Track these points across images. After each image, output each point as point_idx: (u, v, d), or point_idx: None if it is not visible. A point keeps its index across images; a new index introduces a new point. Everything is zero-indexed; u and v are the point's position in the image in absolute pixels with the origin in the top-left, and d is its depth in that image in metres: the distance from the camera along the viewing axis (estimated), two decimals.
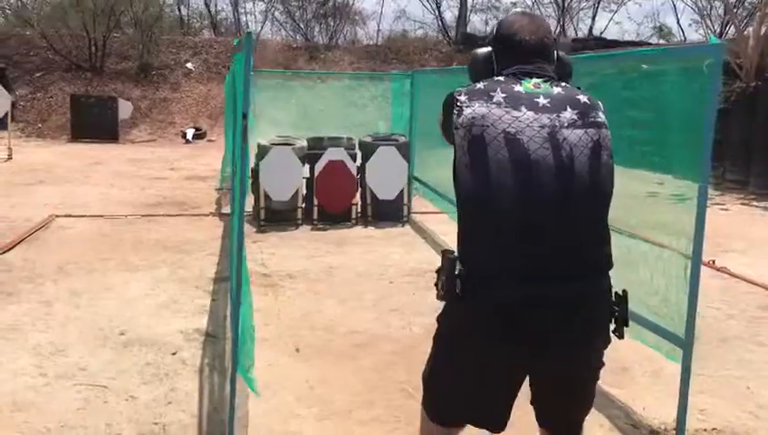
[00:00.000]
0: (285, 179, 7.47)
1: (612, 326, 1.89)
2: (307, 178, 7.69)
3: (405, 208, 7.90)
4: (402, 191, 7.82)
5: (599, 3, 25.48)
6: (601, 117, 1.86)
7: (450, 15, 25.41)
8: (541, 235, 1.74)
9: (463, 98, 1.84)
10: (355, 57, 21.45)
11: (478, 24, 25.81)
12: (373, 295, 5.13)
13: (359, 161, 7.90)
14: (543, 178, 1.73)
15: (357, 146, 8.02)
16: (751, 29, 10.92)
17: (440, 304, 1.93)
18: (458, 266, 1.81)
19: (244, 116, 2.44)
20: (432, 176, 7.40)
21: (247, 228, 7.25)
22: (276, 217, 7.50)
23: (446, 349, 1.94)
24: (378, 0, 24.90)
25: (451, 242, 7.09)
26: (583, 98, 1.87)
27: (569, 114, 1.81)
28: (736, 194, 10.29)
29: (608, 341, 1.90)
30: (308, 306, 4.84)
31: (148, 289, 5.10)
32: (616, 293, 1.88)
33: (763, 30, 10.52)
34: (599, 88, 4.43)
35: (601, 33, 25.18)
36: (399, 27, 25.65)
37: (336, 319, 4.60)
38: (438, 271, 1.86)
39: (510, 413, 1.94)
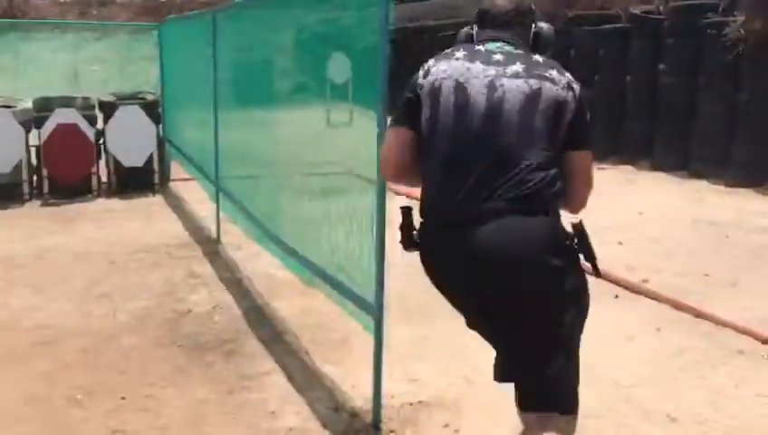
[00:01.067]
0: (3, 148, 6.34)
1: (583, 261, 1.89)
2: (37, 147, 6.62)
3: (156, 176, 7.07)
4: (152, 156, 6.98)
5: None
6: (551, 74, 1.88)
7: None
8: (467, 167, 1.84)
9: (431, 62, 2.00)
10: (132, 13, 19.66)
11: None
12: (83, 280, 4.36)
13: (100, 124, 6.94)
14: (474, 118, 1.86)
15: (96, 106, 7.04)
16: None
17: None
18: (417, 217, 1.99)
19: None
20: (185, 138, 6.63)
21: None
22: None
23: (439, 289, 2.00)
24: None
25: (203, 210, 6.53)
26: (539, 58, 1.94)
27: (516, 67, 1.89)
28: None
29: (555, 279, 1.81)
30: None
31: None
32: (566, 226, 1.87)
33: None
34: (286, 27, 3.97)
35: None
36: None
37: (23, 313, 3.80)
38: (400, 227, 2.02)
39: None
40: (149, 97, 7.22)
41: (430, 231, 1.94)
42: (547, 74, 1.88)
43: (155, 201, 6.68)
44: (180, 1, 21.37)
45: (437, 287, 1.98)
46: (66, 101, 6.76)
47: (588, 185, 1.96)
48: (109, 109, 6.87)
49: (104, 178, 6.97)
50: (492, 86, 1.86)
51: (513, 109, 1.83)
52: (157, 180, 7.07)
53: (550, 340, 1.83)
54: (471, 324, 2.00)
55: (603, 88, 9.09)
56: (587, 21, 9.62)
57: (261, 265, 4.50)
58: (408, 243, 2.01)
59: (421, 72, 1.99)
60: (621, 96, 8.91)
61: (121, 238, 5.31)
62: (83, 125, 6.63)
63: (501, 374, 1.92)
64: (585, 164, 1.95)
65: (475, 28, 2.07)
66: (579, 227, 1.87)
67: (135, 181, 6.88)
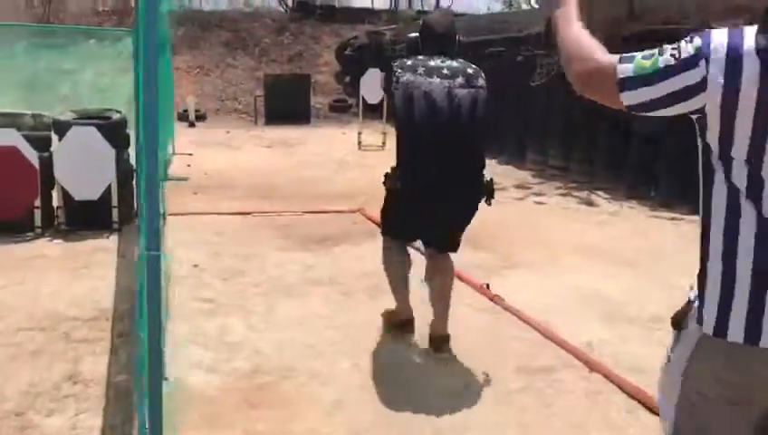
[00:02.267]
0: None
1: (484, 199, 3.26)
2: None
3: (115, 212, 5.84)
4: (110, 188, 5.76)
5: None
6: (480, 83, 3.20)
7: None
8: (439, 144, 3.10)
9: (399, 70, 3.18)
10: (171, 23, 18.85)
11: None
12: None
13: (55, 146, 5.78)
14: (442, 115, 3.10)
15: (52, 127, 5.89)
16: None
17: None
18: (398, 170, 3.23)
19: None
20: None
21: None
22: None
23: (392, 201, 3.36)
24: None
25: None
26: (470, 70, 3.21)
27: (460, 79, 3.13)
28: (557, 182, 9.02)
29: (477, 204, 3.28)
30: None
31: None
32: (487, 180, 3.26)
33: None
34: None
35: (449, 6, 23.91)
36: None
37: None
38: (386, 175, 3.27)
39: (418, 235, 3.51)
40: (115, 116, 6.03)
41: (414, 185, 3.19)
42: (478, 84, 3.21)
43: (104, 246, 5.43)
44: (218, 14, 20.57)
45: (407, 212, 3.30)
46: (10, 119, 5.63)
47: None
48: (63, 130, 5.70)
49: (57, 213, 5.80)
50: (450, 95, 3.12)
51: (465, 110, 3.14)
52: (116, 218, 5.83)
53: (466, 224, 3.36)
54: (413, 223, 3.34)
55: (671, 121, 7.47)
56: (652, 38, 8.02)
57: (180, 365, 3.20)
58: (393, 186, 3.27)
59: (394, 78, 3.19)
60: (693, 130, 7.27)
61: (23, 303, 4.06)
62: (25, 149, 5.46)
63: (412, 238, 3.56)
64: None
65: (420, 38, 3.36)
66: (490, 182, 3.26)
67: (87, 218, 5.67)
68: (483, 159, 3.25)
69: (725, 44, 1.28)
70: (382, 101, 12.54)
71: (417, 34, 3.38)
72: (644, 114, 1.40)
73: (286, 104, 15.88)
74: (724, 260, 1.32)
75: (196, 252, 5.13)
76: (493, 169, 11.23)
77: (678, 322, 1.44)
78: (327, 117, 16.95)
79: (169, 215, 6.59)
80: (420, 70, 3.10)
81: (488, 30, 12.22)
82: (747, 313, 1.30)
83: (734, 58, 1.27)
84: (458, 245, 3.40)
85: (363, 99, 12.69)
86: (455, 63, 3.15)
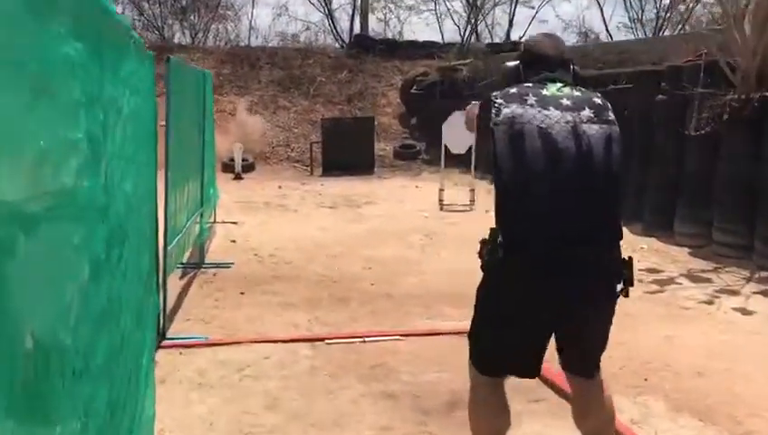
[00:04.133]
0: None
1: (620, 287, 2.20)
2: None
3: None
4: None
5: (515, 5, 22.03)
6: (611, 116, 2.25)
7: (344, 14, 21.35)
8: (565, 209, 2.13)
9: (500, 100, 2.21)
10: (217, 61, 17.04)
11: (374, 23, 21.73)
12: None
13: None
14: (568, 163, 2.13)
15: None
16: (749, 11, 7.08)
17: None
18: (500, 237, 2.15)
19: None
20: None
21: None
22: None
23: (486, 311, 2.28)
24: None
25: None
26: (597, 100, 2.27)
27: (587, 112, 2.19)
28: (741, 270, 6.47)
29: (616, 296, 2.22)
30: None
31: None
32: (623, 259, 2.21)
33: None
34: None
35: (520, 37, 21.72)
36: (282, 26, 21.11)
37: None
38: (483, 241, 2.21)
39: (542, 362, 2.28)
40: None
41: (526, 255, 2.14)
42: (610, 117, 2.24)
43: None
44: (270, 49, 18.74)
45: (514, 302, 2.17)
46: None
47: None
48: None
49: None
50: (576, 133, 2.14)
51: (600, 156, 2.16)
52: None
53: (608, 323, 2.31)
54: (519, 333, 2.21)
55: None
56: None
57: None
58: (492, 259, 2.16)
59: (493, 111, 2.19)
60: None
61: None
62: None
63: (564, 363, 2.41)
64: None
65: (522, 65, 2.37)
66: (630, 262, 2.22)
67: None
68: (620, 225, 2.25)
69: None
70: (470, 149, 10.27)
71: (516, 62, 2.43)
72: None
73: (347, 152, 13.74)
74: None
75: None
76: (629, 242, 8.90)
77: None
78: (392, 165, 14.75)
79: (200, 346, 4.34)
80: (531, 100, 2.17)
81: (604, 62, 9.84)
82: None
83: None
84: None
85: (445, 148, 10.41)
86: (576, 92, 2.23)
